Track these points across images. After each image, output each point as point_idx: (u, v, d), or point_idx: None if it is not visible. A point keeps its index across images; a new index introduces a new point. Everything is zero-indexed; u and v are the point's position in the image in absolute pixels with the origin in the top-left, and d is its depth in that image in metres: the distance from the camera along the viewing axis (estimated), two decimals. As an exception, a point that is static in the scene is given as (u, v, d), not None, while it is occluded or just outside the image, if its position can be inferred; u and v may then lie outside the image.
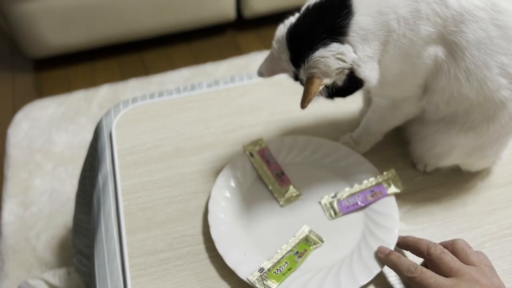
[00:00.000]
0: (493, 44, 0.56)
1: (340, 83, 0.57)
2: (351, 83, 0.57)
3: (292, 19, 0.59)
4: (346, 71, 0.55)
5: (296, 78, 0.60)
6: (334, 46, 0.53)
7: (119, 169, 0.76)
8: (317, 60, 0.54)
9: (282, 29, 0.59)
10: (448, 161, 0.71)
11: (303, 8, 0.58)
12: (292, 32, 0.57)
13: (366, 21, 0.54)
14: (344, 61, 0.54)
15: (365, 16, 0.54)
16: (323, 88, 0.56)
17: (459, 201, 0.71)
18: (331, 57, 0.53)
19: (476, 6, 0.55)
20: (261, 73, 0.65)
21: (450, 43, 0.57)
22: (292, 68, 0.58)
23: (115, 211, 0.71)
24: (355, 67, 0.55)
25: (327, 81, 0.54)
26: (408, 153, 0.76)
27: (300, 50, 0.56)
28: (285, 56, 0.58)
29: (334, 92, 0.58)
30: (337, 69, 0.54)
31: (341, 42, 0.54)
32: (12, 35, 1.80)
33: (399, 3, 0.54)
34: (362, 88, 0.58)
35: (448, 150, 0.68)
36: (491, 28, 0.56)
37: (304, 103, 0.55)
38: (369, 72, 0.56)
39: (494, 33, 0.56)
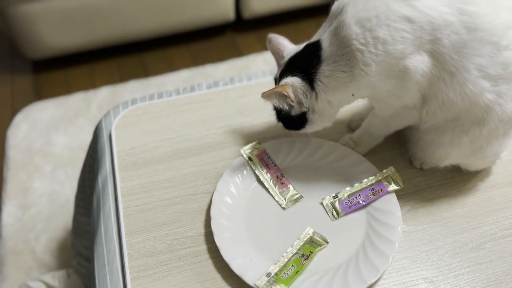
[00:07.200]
0: (467, 47, 0.57)
1: (293, 112, 0.68)
2: (300, 119, 0.68)
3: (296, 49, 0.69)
4: (303, 109, 0.67)
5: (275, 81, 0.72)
6: (306, 85, 0.65)
7: (119, 170, 0.76)
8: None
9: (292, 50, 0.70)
10: (447, 162, 0.72)
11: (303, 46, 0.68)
12: (290, 59, 0.69)
13: (329, 68, 0.62)
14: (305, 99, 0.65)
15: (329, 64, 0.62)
16: (281, 105, 0.66)
17: (459, 202, 0.71)
18: (299, 88, 0.65)
19: (443, 11, 0.57)
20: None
21: (431, 51, 0.58)
22: (278, 74, 0.71)
23: (114, 213, 0.71)
24: (310, 111, 0.67)
25: (291, 95, 0.65)
26: (406, 152, 0.76)
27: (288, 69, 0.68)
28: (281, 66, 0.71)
29: (284, 116, 0.69)
30: (297, 99, 0.65)
31: (312, 86, 0.65)
32: (11, 36, 1.80)
33: (353, 36, 0.58)
34: (304, 128, 0.70)
35: (445, 154, 0.69)
36: (463, 31, 0.57)
37: (266, 93, 0.65)
38: (317, 120, 0.68)
39: (466, 36, 0.57)
